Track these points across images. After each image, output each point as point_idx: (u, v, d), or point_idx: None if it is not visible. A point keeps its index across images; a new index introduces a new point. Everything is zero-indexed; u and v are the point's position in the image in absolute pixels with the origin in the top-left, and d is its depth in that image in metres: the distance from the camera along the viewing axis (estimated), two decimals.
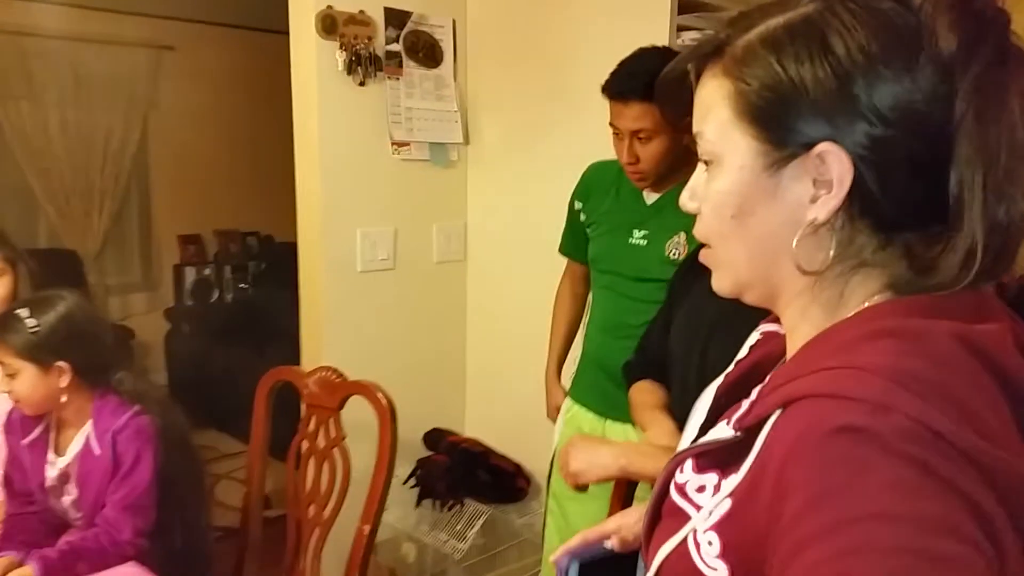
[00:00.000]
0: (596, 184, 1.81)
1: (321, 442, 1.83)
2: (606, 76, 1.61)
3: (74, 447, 1.57)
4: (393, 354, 2.42)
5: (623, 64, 1.60)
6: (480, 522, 2.26)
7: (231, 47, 4.75)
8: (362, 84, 2.32)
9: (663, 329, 1.41)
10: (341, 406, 1.81)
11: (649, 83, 1.51)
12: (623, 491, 1.39)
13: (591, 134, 2.13)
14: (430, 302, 2.56)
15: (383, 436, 1.70)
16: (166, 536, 1.60)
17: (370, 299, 2.42)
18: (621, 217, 1.71)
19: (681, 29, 2.01)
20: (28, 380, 1.49)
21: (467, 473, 2.31)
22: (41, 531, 1.57)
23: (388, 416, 1.70)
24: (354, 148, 2.34)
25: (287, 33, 2.31)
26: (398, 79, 2.41)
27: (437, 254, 2.56)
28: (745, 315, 1.19)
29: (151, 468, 1.55)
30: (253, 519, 1.91)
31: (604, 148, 1.78)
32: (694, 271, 1.38)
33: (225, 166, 4.84)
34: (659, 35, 1.96)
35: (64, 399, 1.54)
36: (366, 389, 1.75)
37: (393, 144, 2.42)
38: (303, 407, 1.90)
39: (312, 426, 1.85)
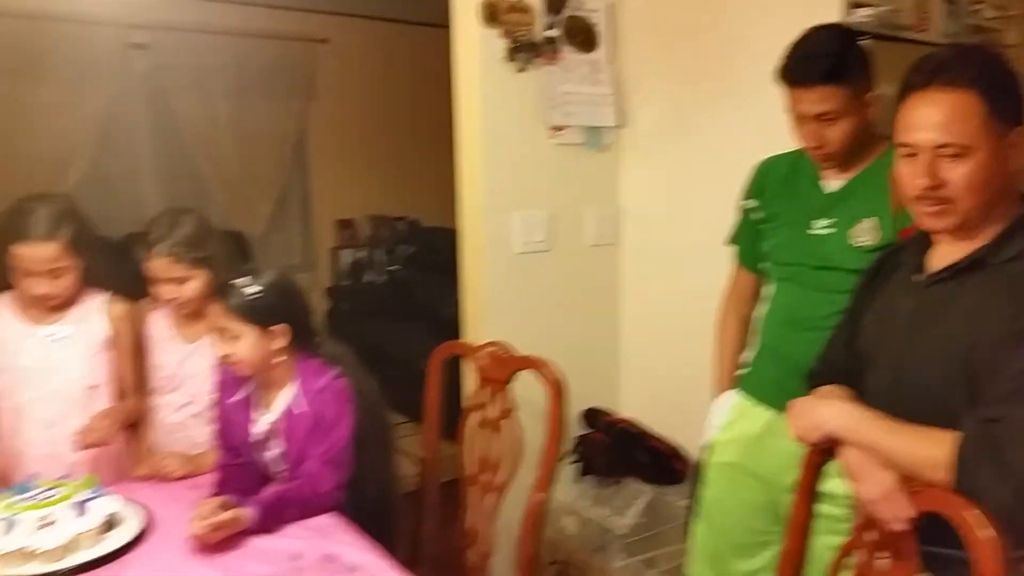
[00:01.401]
0: (768, 180, 1.78)
1: (492, 413, 1.93)
2: (771, 57, 1.57)
3: (280, 405, 1.72)
4: (549, 333, 2.48)
5: (798, 47, 1.56)
6: (640, 501, 2.30)
7: (383, 40, 4.96)
8: (522, 71, 2.39)
9: (848, 337, 1.38)
10: (510, 380, 1.90)
11: (832, 65, 1.49)
12: (813, 470, 1.36)
13: (752, 118, 2.12)
14: (584, 284, 2.61)
15: (554, 408, 1.77)
16: (360, 490, 1.73)
17: (527, 280, 2.49)
18: (799, 209, 1.68)
19: (854, 5, 1.94)
20: (248, 342, 1.64)
21: (626, 452, 2.35)
22: (249, 481, 1.73)
23: (557, 389, 1.77)
24: (513, 134, 2.41)
25: (440, 25, 2.40)
26: (555, 64, 2.46)
27: (590, 237, 2.61)
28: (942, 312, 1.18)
29: (349, 426, 1.68)
30: (430, 481, 2.03)
31: (767, 131, 1.76)
32: (883, 273, 1.37)
33: (377, 155, 5.06)
34: (830, 11, 1.90)
35: (277, 360, 1.69)
36: (535, 364, 1.83)
37: (549, 129, 2.48)
38: (474, 379, 2.00)
39: (483, 397, 1.95)
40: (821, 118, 1.52)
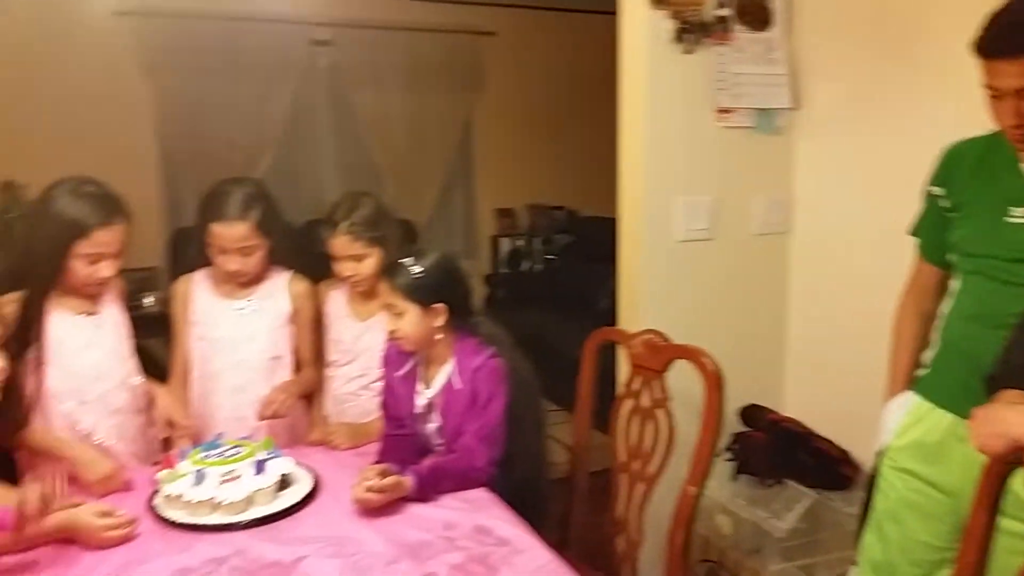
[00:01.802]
0: (959, 165, 1.62)
1: (645, 402, 1.90)
2: (965, 28, 1.44)
3: (439, 381, 1.79)
4: (709, 325, 2.40)
5: (1000, 15, 1.41)
6: (801, 505, 2.19)
7: (548, 30, 5.01)
8: (689, 52, 2.33)
9: None
10: (665, 369, 1.86)
11: None
12: (996, 481, 1.24)
13: (942, 97, 1.95)
14: (749, 274, 2.51)
15: (710, 400, 1.72)
16: (512, 467, 1.76)
17: (688, 268, 2.42)
18: (993, 196, 1.52)
19: None
20: (412, 319, 1.72)
21: (788, 453, 2.24)
22: (410, 451, 1.80)
23: (715, 381, 1.72)
24: (678, 117, 2.35)
25: (606, 12, 2.38)
26: (726, 44, 2.37)
27: (757, 225, 2.49)
28: None
29: (503, 405, 1.72)
30: (580, 468, 2.03)
31: (958, 111, 1.61)
32: None
33: (538, 145, 5.13)
34: None
35: (438, 337, 1.75)
36: (692, 353, 1.78)
37: (717, 112, 2.39)
38: (627, 367, 1.97)
39: (636, 385, 1.92)
40: (1022, 93, 1.37)
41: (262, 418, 1.90)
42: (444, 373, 1.78)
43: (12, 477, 1.75)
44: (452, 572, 1.39)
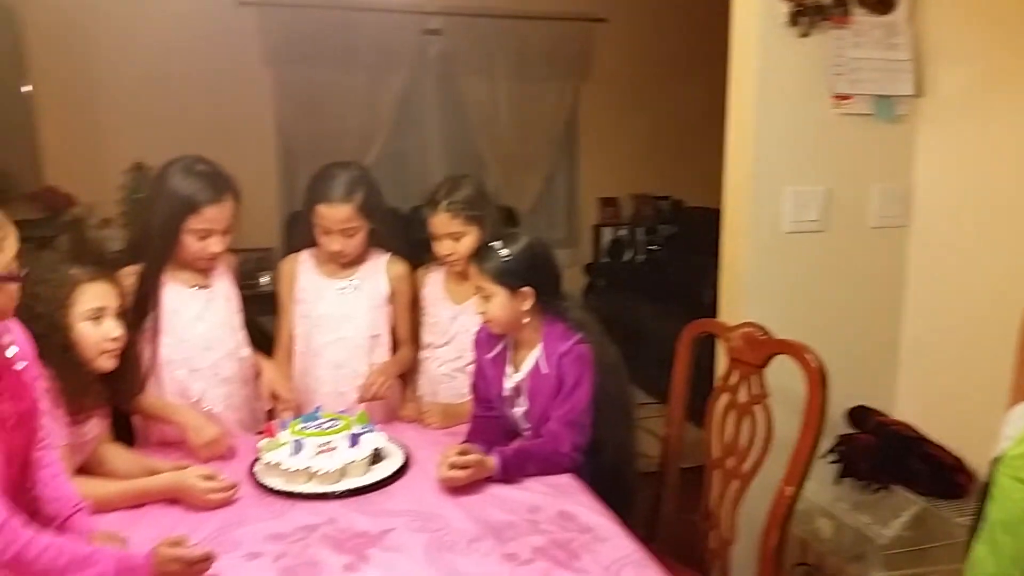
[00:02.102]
0: None
1: (742, 397, 1.83)
2: None
3: (526, 365, 1.79)
4: (816, 321, 2.30)
5: None
6: (908, 513, 2.07)
7: (658, 17, 4.90)
8: (804, 36, 2.22)
9: None
10: (765, 364, 1.79)
11: None
12: None
13: None
14: (862, 269, 2.38)
15: (812, 398, 1.64)
16: (598, 455, 1.75)
17: (795, 261, 2.33)
18: None
19: None
20: (500, 302, 1.73)
21: (897, 458, 2.13)
22: (498, 433, 1.83)
23: (818, 378, 1.64)
24: (790, 103, 2.25)
25: None
26: (844, 28, 2.26)
27: (873, 218, 2.36)
28: None
29: (589, 390, 1.71)
30: (671, 461, 1.99)
31: None
32: None
33: (644, 134, 5.04)
34: None
35: (525, 321, 1.75)
36: (794, 349, 1.71)
37: (833, 98, 2.28)
38: (725, 361, 1.92)
39: (734, 380, 1.86)
40: None
41: (362, 400, 1.96)
42: (532, 357, 1.78)
43: (129, 440, 1.88)
44: (533, 554, 1.39)
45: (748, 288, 2.31)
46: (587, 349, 1.74)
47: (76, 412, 1.54)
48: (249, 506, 1.57)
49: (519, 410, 1.81)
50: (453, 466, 1.59)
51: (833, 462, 2.25)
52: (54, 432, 1.48)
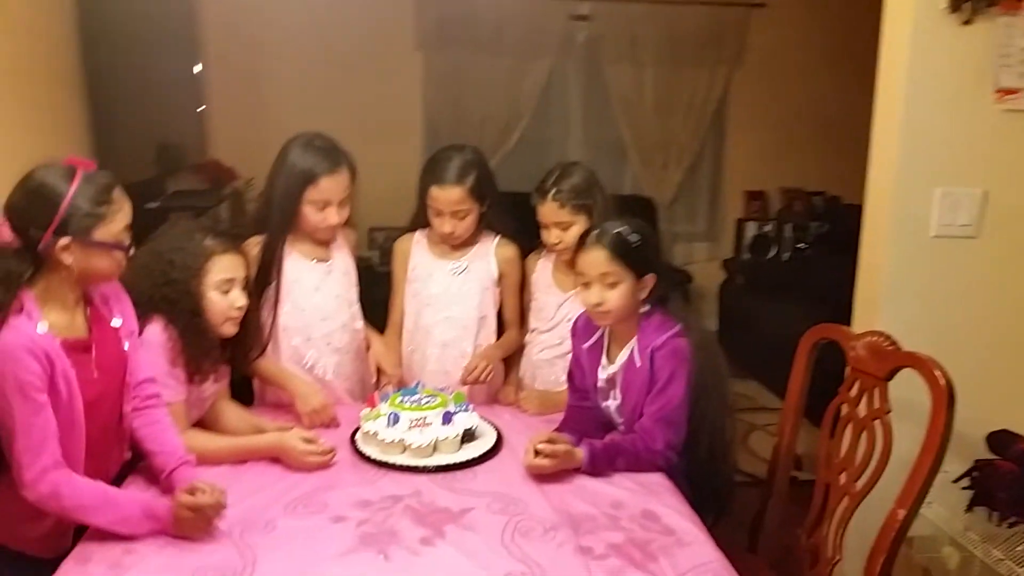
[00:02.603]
0: None
1: (862, 410, 1.71)
2: None
3: (621, 357, 1.75)
4: (958, 335, 2.10)
5: None
6: None
7: (819, 1, 4.62)
8: (967, 23, 2.02)
9: None
10: (890, 377, 1.66)
11: None
12: None
13: None
14: (1018, 281, 2.15)
15: (936, 418, 1.51)
16: (693, 455, 1.69)
17: (941, 268, 2.13)
18: None
19: None
20: (624, 291, 1.68)
21: None
22: (592, 424, 1.80)
23: (944, 397, 1.50)
24: (945, 96, 2.06)
25: None
26: (1017, 15, 2.03)
27: None
28: None
29: (683, 387, 1.64)
30: (780, 471, 1.89)
31: None
32: None
33: (799, 124, 4.78)
34: None
35: (638, 310, 1.71)
36: (921, 363, 1.57)
37: (996, 92, 2.06)
38: (847, 370, 1.79)
39: (854, 391, 1.74)
40: None
41: (464, 383, 1.99)
42: (627, 349, 1.73)
43: (249, 400, 2.01)
44: (608, 551, 1.37)
45: (886, 294, 2.15)
46: (684, 343, 1.67)
47: (195, 373, 1.66)
48: (344, 471, 1.64)
49: (612, 403, 1.78)
50: (539, 454, 1.58)
51: (967, 488, 2.06)
52: (170, 390, 1.61)
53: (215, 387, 1.74)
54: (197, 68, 3.80)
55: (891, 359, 1.66)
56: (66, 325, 1.42)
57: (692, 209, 5.06)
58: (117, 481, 1.54)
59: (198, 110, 3.84)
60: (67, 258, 1.37)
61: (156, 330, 1.62)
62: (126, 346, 1.54)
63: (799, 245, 4.85)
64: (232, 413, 1.80)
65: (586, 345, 1.82)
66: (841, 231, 4.62)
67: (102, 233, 1.39)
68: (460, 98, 4.62)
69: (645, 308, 1.73)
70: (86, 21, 2.74)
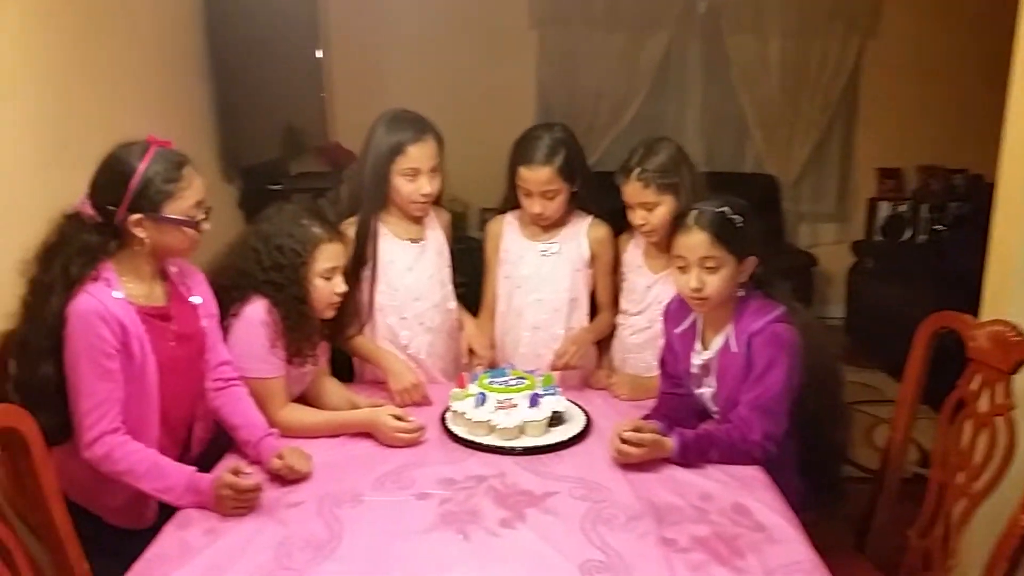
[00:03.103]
0: None
1: (983, 405, 1.57)
2: None
3: (717, 342, 1.67)
4: None
5: None
6: None
7: None
8: None
9: None
10: (1015, 370, 1.51)
11: None
12: None
13: None
14: None
15: None
16: (793, 449, 1.60)
17: None
18: None
19: None
20: (727, 274, 1.60)
21: None
22: (686, 413, 1.73)
23: None
24: None
25: None
26: None
27: None
28: None
29: (783, 375, 1.55)
30: (891, 467, 1.77)
31: None
32: None
33: (938, 97, 4.43)
34: None
35: (737, 294, 1.63)
36: None
37: None
38: (968, 362, 1.65)
39: (974, 385, 1.60)
40: None
41: (554, 368, 1.97)
42: (723, 334, 1.66)
43: (349, 375, 2.08)
44: (692, 544, 1.32)
45: (1018, 280, 1.96)
46: (785, 328, 1.57)
47: (295, 356, 1.72)
48: (432, 449, 1.66)
49: (707, 391, 1.71)
50: (625, 440, 1.54)
51: None
52: (269, 366, 1.68)
53: (314, 366, 1.81)
54: (318, 53, 3.92)
55: (1017, 351, 1.51)
56: (145, 294, 1.51)
57: (819, 188, 4.79)
58: (206, 460, 1.61)
59: (320, 94, 3.96)
60: (140, 232, 1.45)
61: (259, 310, 1.68)
62: (204, 323, 1.62)
63: (936, 227, 4.52)
64: (331, 389, 1.86)
65: (678, 330, 1.76)
66: (984, 212, 4.26)
67: (171, 209, 1.46)
68: (574, 76, 4.56)
69: (741, 292, 1.65)
70: (212, 8, 2.88)
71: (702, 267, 1.60)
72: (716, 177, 2.02)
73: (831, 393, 1.68)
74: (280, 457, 1.49)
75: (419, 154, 1.92)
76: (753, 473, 1.56)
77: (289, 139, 3.58)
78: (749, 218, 1.63)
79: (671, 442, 1.56)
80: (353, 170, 2.04)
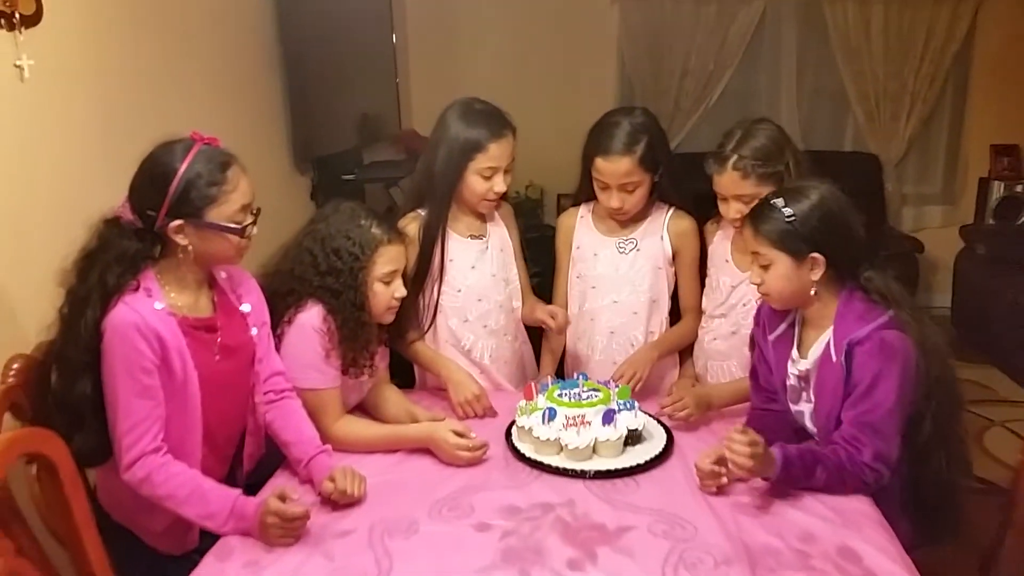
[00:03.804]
0: None
1: None
2: None
3: (815, 351, 1.46)
4: None
5: None
6: None
7: None
8: None
9: None
10: None
11: None
12: None
13: None
14: None
15: None
16: (907, 474, 1.39)
17: None
18: None
19: None
20: (779, 272, 1.42)
21: None
22: (781, 430, 1.50)
23: None
24: None
25: None
26: None
27: None
28: None
29: (894, 389, 1.34)
30: None
31: None
32: None
33: None
34: None
35: (813, 293, 1.43)
36: None
37: None
38: None
39: None
40: None
41: (617, 379, 1.77)
42: (822, 341, 1.44)
43: (411, 381, 1.95)
44: None
45: None
46: (895, 337, 1.35)
47: (350, 366, 1.60)
48: (495, 468, 1.52)
49: (806, 407, 1.50)
50: (738, 448, 1.31)
51: None
52: (324, 376, 1.57)
53: (371, 376, 1.68)
54: (393, 38, 3.81)
55: None
56: (190, 304, 1.40)
57: (925, 167, 4.42)
58: (258, 477, 1.52)
59: (394, 80, 3.86)
60: (181, 240, 1.34)
61: (314, 317, 1.56)
62: (253, 332, 1.50)
63: None
64: (390, 398, 1.73)
65: (772, 336, 1.54)
66: None
67: (215, 214, 1.34)
68: (658, 51, 4.32)
69: (839, 290, 1.43)
70: None
71: (758, 263, 1.46)
72: (812, 157, 1.78)
73: (949, 405, 1.45)
74: (332, 479, 1.37)
75: (499, 152, 1.77)
76: (861, 507, 1.35)
77: (362, 127, 3.49)
78: (816, 212, 1.41)
79: (774, 454, 1.34)
80: (420, 163, 1.88)
